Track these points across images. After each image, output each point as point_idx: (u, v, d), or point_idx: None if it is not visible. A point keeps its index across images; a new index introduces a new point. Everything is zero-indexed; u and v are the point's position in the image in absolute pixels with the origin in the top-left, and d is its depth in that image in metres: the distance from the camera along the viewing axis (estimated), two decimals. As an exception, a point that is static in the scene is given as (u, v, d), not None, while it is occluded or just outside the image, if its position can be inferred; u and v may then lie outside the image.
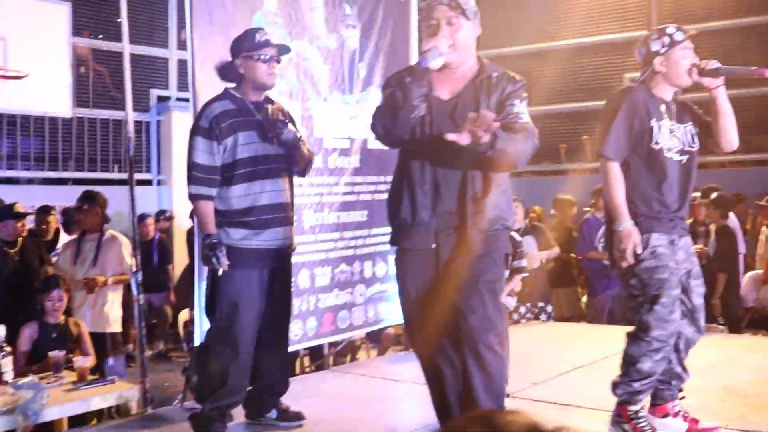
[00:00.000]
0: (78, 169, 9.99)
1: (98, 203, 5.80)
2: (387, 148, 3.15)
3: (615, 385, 3.43)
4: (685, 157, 3.39)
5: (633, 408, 3.40)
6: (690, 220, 7.00)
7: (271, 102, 3.74)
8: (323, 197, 4.90)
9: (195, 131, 3.58)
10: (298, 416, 3.83)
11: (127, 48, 4.67)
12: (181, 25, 10.69)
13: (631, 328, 3.43)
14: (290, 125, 3.62)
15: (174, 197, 9.99)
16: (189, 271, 8.07)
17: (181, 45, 10.69)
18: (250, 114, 3.61)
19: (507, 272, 4.16)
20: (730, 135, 3.36)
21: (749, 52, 10.26)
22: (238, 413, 3.81)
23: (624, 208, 3.30)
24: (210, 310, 3.65)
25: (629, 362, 3.37)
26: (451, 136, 2.64)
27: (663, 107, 3.37)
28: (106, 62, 10.26)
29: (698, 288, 3.44)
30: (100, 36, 10.16)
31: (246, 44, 3.62)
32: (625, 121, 3.31)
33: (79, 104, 9.68)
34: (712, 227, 7.07)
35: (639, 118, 3.32)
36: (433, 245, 2.91)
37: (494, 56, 10.97)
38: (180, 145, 9.98)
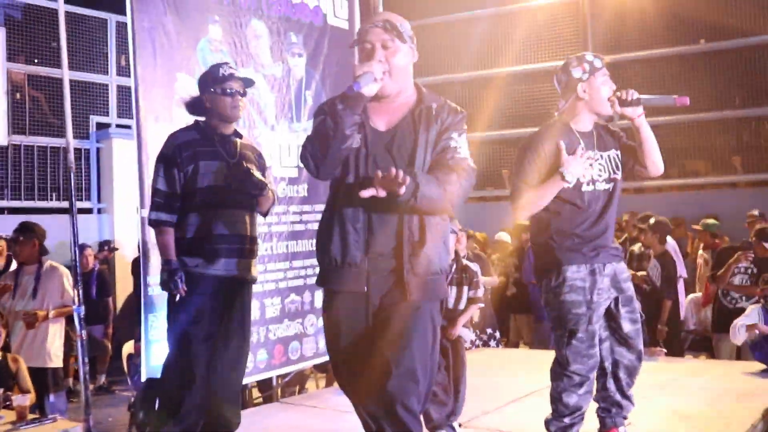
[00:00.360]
0: (14, 198, 9.68)
1: (36, 234, 5.63)
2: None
3: (547, 423, 3.47)
4: (610, 185, 3.41)
5: None
6: (637, 245, 7.19)
7: (239, 136, 3.78)
8: (272, 227, 4.86)
9: (159, 158, 3.64)
10: (249, 452, 3.75)
11: (66, 74, 4.57)
12: (120, 51, 10.52)
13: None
14: (256, 173, 3.61)
15: (115, 226, 9.77)
16: (132, 301, 7.90)
17: (121, 71, 10.51)
18: (214, 145, 3.65)
19: (464, 304, 4.17)
20: (656, 160, 3.40)
21: (682, 79, 10.61)
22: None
23: (548, 181, 3.28)
24: (168, 337, 3.63)
25: (555, 399, 3.41)
26: (365, 193, 2.50)
27: (580, 140, 3.36)
28: (42, 88, 10.00)
29: (629, 314, 3.44)
30: (35, 60, 9.91)
31: (211, 79, 3.67)
32: (532, 173, 3.31)
33: (15, 131, 9.43)
34: (651, 252, 7.22)
35: (547, 164, 3.31)
36: (364, 288, 2.69)
37: (436, 83, 11.12)
38: (121, 172, 9.85)
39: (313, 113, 2.79)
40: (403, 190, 2.45)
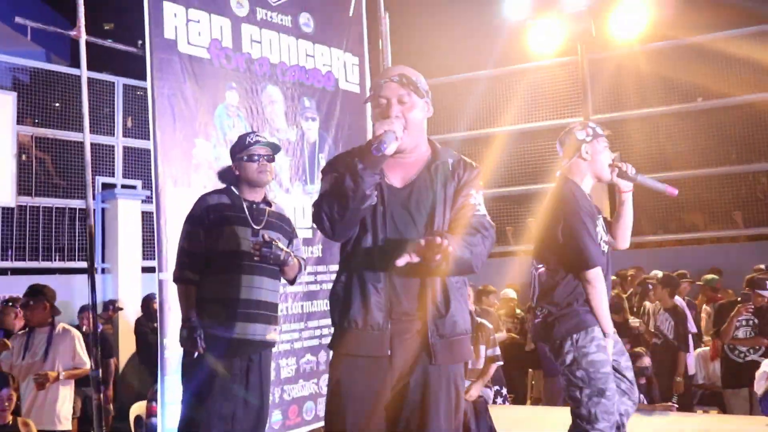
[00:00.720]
0: (18, 259, 9.68)
1: (46, 297, 5.64)
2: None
3: None
4: (607, 246, 3.57)
5: None
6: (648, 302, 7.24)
7: (269, 204, 3.87)
8: (287, 287, 4.88)
9: (187, 218, 3.75)
10: None
11: (87, 138, 4.67)
12: (127, 113, 10.66)
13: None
14: (280, 243, 3.67)
15: (119, 286, 9.76)
16: (135, 361, 7.85)
17: (127, 132, 10.64)
18: (242, 211, 3.74)
19: (482, 362, 4.19)
20: (627, 235, 3.64)
21: (679, 136, 10.77)
22: None
23: (609, 318, 3.42)
24: (183, 400, 3.65)
25: None
26: (400, 262, 2.38)
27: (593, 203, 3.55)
28: (46, 149, 10.09)
29: (627, 362, 3.58)
30: (36, 121, 10.03)
31: (238, 147, 3.82)
32: (591, 229, 3.43)
33: (21, 192, 9.49)
34: (659, 305, 7.24)
35: (593, 223, 3.45)
36: (387, 352, 2.54)
37: (437, 141, 11.26)
38: (125, 232, 9.88)
39: (322, 170, 2.74)
40: (439, 256, 2.37)
